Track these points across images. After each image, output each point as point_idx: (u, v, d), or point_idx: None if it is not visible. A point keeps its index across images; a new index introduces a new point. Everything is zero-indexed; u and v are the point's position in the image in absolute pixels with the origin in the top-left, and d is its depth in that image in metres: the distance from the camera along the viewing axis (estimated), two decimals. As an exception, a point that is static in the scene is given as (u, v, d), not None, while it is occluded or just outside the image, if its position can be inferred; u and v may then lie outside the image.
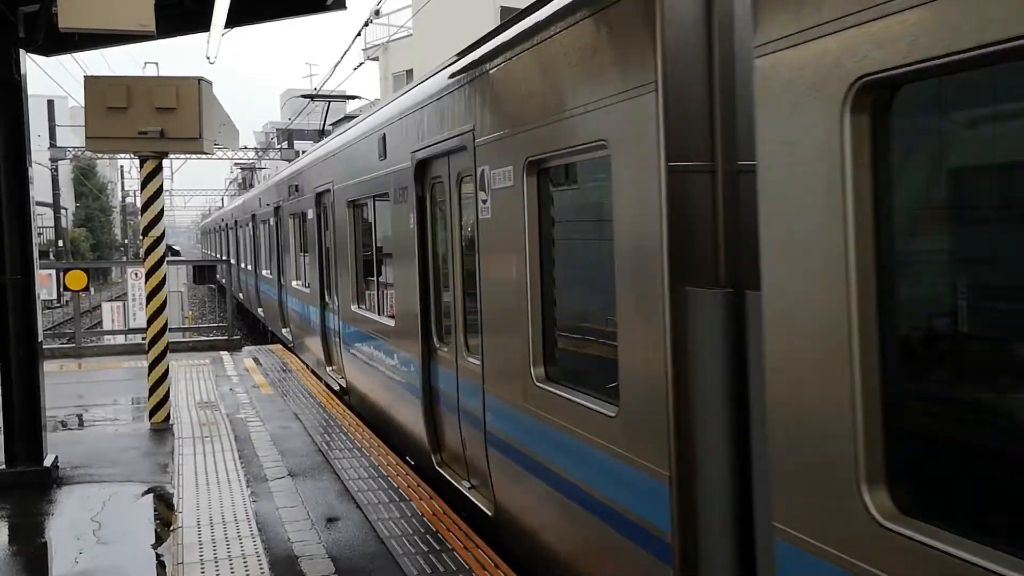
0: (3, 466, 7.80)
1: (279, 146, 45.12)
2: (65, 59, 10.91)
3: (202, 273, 24.61)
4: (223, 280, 26.45)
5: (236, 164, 65.44)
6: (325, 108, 17.37)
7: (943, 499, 2.56)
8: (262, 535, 6.32)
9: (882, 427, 2.65)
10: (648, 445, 3.93)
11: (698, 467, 3.66)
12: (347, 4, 8.98)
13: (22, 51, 7.75)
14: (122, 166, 68.52)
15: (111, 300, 22.52)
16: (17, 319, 7.76)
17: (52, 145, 40.39)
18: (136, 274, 15.81)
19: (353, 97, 17.90)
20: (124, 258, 59.01)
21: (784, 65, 2.92)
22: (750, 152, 3.22)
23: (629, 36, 3.95)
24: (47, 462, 7.88)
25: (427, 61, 12.80)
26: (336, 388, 11.90)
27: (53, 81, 21.63)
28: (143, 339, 12.11)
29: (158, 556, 6.05)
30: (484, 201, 5.80)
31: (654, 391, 3.86)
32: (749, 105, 3.25)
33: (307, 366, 14.43)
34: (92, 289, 37.23)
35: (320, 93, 17.86)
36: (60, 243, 42.58)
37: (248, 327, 27.87)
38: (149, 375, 10.14)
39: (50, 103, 39.57)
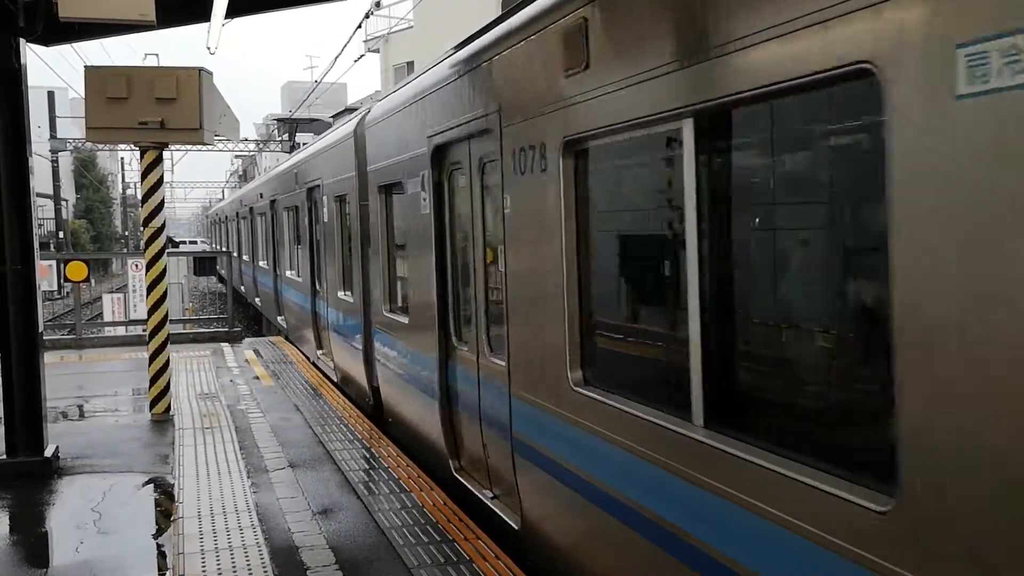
0: (4, 456, 7.81)
1: (279, 138, 45.09)
2: (66, 50, 10.90)
3: (202, 265, 24.60)
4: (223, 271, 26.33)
5: (237, 156, 65.45)
6: None
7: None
8: (262, 525, 6.33)
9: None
10: None
11: None
12: (348, -6, 8.93)
13: (22, 40, 7.73)
14: (123, 157, 68.52)
15: (112, 291, 22.52)
16: (18, 310, 7.76)
17: (52, 136, 40.31)
18: (136, 265, 15.81)
19: None
20: (125, 249, 59.01)
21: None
22: None
23: None
24: (48, 452, 7.88)
25: (428, 53, 12.76)
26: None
27: (53, 72, 21.64)
28: (144, 330, 12.13)
29: (159, 546, 6.06)
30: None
31: None
32: None
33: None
34: (93, 280, 37.25)
35: None
36: (60, 234, 42.55)
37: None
38: (150, 366, 10.15)
39: (50, 94, 39.49)
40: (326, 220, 12.10)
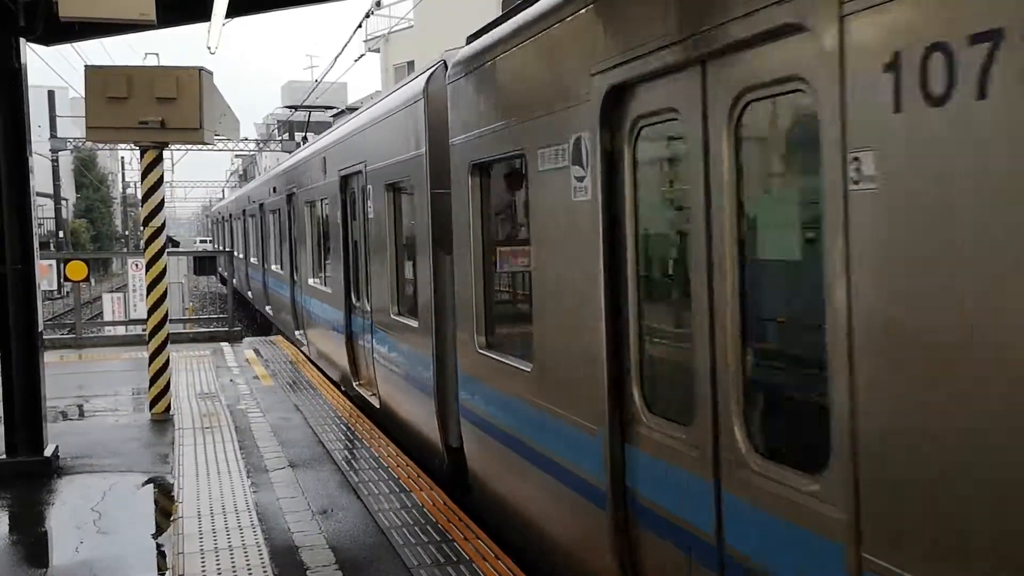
0: (4, 456, 7.81)
1: (280, 138, 45.12)
2: (66, 50, 10.89)
3: (203, 264, 24.59)
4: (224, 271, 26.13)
5: (237, 156, 65.52)
6: None
7: None
8: (262, 525, 6.32)
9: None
10: None
11: None
12: (348, -7, 8.90)
13: (22, 40, 7.74)
14: (123, 157, 68.56)
15: (111, 291, 22.53)
16: (18, 309, 7.76)
17: (53, 136, 40.38)
18: (136, 265, 15.81)
19: None
20: (125, 249, 59.04)
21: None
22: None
23: None
24: (48, 452, 7.88)
25: (428, 53, 12.74)
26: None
27: (54, 72, 21.62)
28: (143, 330, 12.13)
29: (158, 546, 6.06)
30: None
31: None
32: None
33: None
34: (92, 280, 37.24)
35: None
36: (60, 234, 42.59)
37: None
38: (150, 366, 10.15)
39: (51, 94, 39.54)
40: (371, 216, 9.38)
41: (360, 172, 9.85)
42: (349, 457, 8.10)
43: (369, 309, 9.68)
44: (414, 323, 7.85)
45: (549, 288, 5.07)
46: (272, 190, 18.65)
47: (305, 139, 19.54)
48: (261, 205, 20.85)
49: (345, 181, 10.85)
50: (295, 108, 22.18)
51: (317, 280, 13.49)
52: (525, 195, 5.44)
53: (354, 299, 10.65)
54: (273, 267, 18.94)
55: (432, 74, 7.33)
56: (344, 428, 9.29)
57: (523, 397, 5.42)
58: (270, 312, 20.15)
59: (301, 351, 15.07)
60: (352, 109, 18.94)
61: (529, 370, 5.31)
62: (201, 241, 72.35)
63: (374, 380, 9.57)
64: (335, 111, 24.55)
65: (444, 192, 6.98)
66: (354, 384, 10.66)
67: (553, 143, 4.89)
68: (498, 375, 5.89)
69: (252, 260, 23.64)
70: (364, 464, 7.87)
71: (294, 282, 15.81)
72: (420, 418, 7.86)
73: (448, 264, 6.97)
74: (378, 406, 9.41)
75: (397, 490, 7.07)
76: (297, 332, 15.44)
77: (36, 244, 7.94)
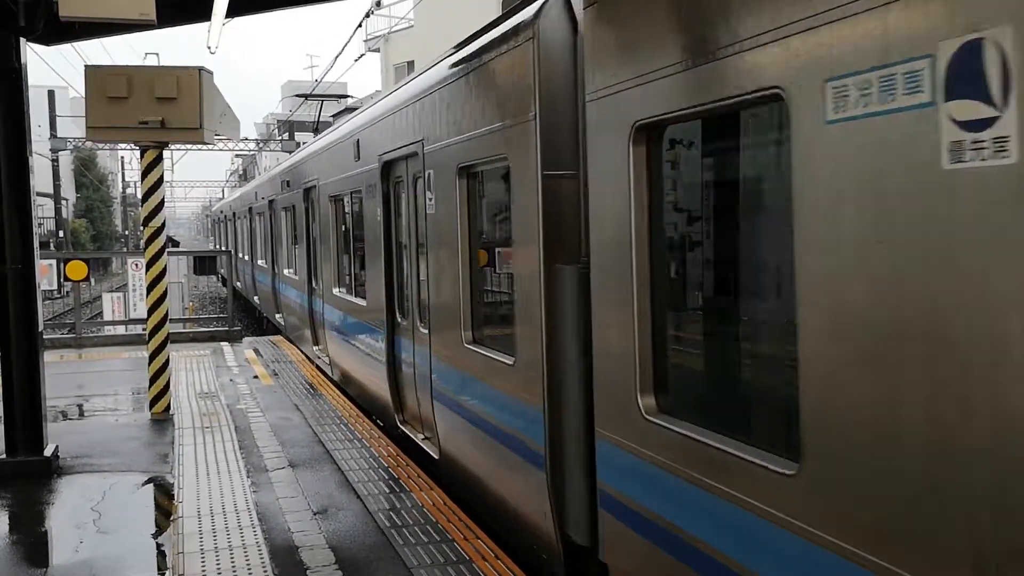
0: (4, 455, 7.81)
1: (280, 138, 45.14)
2: (66, 49, 10.87)
3: (203, 264, 24.63)
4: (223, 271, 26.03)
5: (237, 155, 65.56)
6: None
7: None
8: (262, 525, 6.32)
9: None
10: None
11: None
12: (348, -7, 8.88)
13: (22, 40, 7.74)
14: (123, 157, 68.54)
15: (111, 291, 22.53)
16: (18, 309, 7.76)
17: (53, 135, 40.40)
18: (136, 264, 15.82)
19: None
20: (125, 249, 59.05)
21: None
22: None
23: None
24: (48, 452, 7.88)
25: (428, 53, 12.67)
26: None
27: (54, 71, 21.65)
28: (143, 329, 12.13)
29: (158, 545, 6.06)
30: None
31: None
32: None
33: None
34: (92, 280, 37.24)
35: None
36: (60, 234, 42.59)
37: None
38: (149, 365, 10.15)
39: (51, 93, 39.56)
40: (432, 210, 7.25)
41: (415, 154, 7.63)
42: (349, 457, 8.10)
43: (426, 332, 7.59)
44: (506, 359, 5.78)
45: (866, 330, 2.77)
46: (285, 184, 16.60)
47: (316, 130, 18.64)
48: (271, 202, 18.74)
49: (388, 167, 8.72)
50: (306, 97, 21.68)
51: (344, 289, 11.51)
52: (775, 164, 3.55)
53: (399, 317, 8.69)
54: (286, 271, 16.85)
55: (545, 2, 5.16)
56: (344, 428, 9.29)
57: (773, 514, 3.23)
58: (281, 322, 18.01)
59: (314, 364, 13.48)
60: (352, 109, 18.69)
61: (792, 473, 3.11)
62: None
63: (432, 424, 7.49)
64: (352, 99, 23.99)
65: (563, 175, 5.15)
66: (397, 420, 8.71)
67: (880, 64, 2.65)
68: (692, 463, 3.79)
69: (260, 263, 21.49)
70: (364, 464, 7.87)
71: (312, 290, 13.66)
72: (515, 490, 5.83)
73: (571, 280, 5.00)
74: (437, 457, 7.42)
75: (397, 490, 7.07)
76: (315, 348, 13.41)
77: (36, 244, 7.94)
